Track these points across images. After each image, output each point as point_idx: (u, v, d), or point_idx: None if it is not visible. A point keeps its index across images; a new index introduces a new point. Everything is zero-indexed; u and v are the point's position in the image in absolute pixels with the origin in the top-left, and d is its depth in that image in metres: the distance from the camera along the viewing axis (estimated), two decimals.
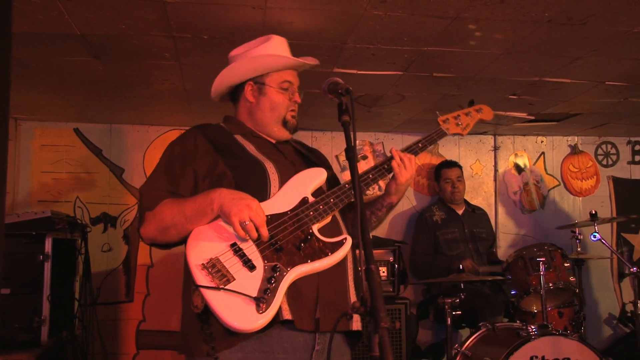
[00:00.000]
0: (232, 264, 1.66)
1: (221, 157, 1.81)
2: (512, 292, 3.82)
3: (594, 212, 3.88)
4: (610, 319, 4.96)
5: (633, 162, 5.20)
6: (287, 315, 1.65)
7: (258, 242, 1.69)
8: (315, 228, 1.76)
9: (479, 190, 4.99)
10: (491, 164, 5.03)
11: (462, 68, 3.11)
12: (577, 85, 3.44)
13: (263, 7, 2.33)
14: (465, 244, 4.29)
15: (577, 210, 5.07)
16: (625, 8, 2.33)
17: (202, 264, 1.65)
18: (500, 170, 5.02)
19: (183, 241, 1.77)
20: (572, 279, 3.76)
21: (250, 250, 1.69)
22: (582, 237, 3.89)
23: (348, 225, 1.95)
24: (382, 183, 4.82)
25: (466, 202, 4.55)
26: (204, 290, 1.61)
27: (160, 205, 1.76)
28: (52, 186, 4.38)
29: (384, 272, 4.06)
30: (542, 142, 5.11)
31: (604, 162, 5.17)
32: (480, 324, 3.47)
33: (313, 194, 1.82)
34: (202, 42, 2.72)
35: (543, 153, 5.10)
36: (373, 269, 1.23)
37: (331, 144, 4.53)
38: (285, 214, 1.75)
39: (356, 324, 1.83)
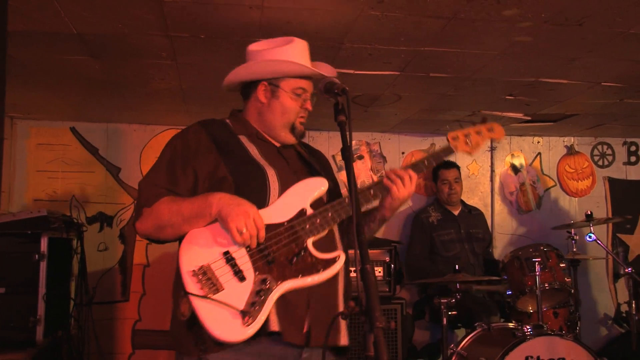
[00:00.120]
0: (223, 273, 1.66)
1: (223, 160, 1.80)
2: (508, 293, 3.83)
3: (589, 213, 3.90)
4: (605, 319, 4.98)
5: (629, 162, 5.22)
6: (274, 326, 1.65)
7: (251, 252, 1.69)
8: (309, 242, 1.74)
9: (476, 190, 5.00)
10: (488, 164, 5.03)
11: (458, 68, 3.12)
12: (574, 86, 3.45)
13: (260, 7, 2.33)
14: (461, 244, 4.30)
15: (573, 211, 5.08)
16: (621, 9, 2.34)
17: (193, 270, 1.66)
18: (497, 170, 5.03)
19: (178, 239, 1.77)
20: (567, 279, 3.77)
21: (242, 260, 1.68)
22: (577, 237, 3.90)
23: (344, 239, 1.93)
24: None
25: (463, 202, 4.55)
26: (192, 298, 1.62)
27: (159, 203, 1.76)
28: (48, 185, 4.37)
29: (380, 272, 4.06)
30: (538, 142, 5.12)
31: (600, 163, 5.19)
32: (475, 324, 3.48)
33: (312, 205, 1.80)
34: (199, 42, 2.71)
35: (539, 153, 5.12)
36: (368, 268, 1.23)
37: (328, 144, 4.53)
38: (281, 224, 1.74)
39: (344, 338, 1.82)
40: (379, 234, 4.61)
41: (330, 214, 1.78)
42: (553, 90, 3.54)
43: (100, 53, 2.88)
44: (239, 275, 1.66)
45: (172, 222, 1.73)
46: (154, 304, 4.38)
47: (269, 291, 1.64)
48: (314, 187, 1.84)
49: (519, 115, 4.23)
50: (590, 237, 3.80)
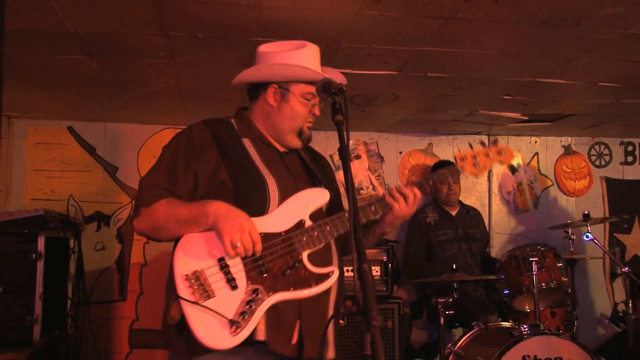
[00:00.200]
0: (216, 280, 1.67)
1: (224, 163, 1.79)
2: (505, 292, 3.84)
3: (586, 213, 3.91)
4: (602, 319, 4.99)
5: (626, 162, 5.23)
6: (261, 336, 1.66)
7: (245, 261, 1.70)
8: (305, 255, 1.74)
9: (473, 190, 5.01)
10: None
11: (456, 68, 3.12)
12: (571, 86, 3.46)
13: (258, 6, 2.33)
14: (458, 245, 4.30)
15: (570, 211, 5.09)
16: (618, 9, 2.35)
17: (187, 274, 1.67)
18: (495, 170, 5.04)
19: (174, 240, 1.78)
20: (564, 278, 3.78)
21: (236, 268, 1.69)
22: (574, 237, 3.91)
23: (340, 255, 1.92)
24: (380, 189, 4.83)
25: (460, 202, 4.56)
26: (182, 303, 1.63)
27: (157, 204, 1.75)
28: (46, 184, 4.37)
29: (377, 271, 4.07)
30: (535, 142, 5.13)
31: (597, 163, 5.20)
32: (473, 324, 3.48)
33: (312, 216, 1.80)
34: (196, 41, 2.71)
35: (537, 153, 5.13)
36: (365, 267, 1.23)
37: (325, 143, 4.53)
38: (278, 235, 1.74)
39: (332, 352, 1.83)
40: None
41: (328, 228, 1.78)
42: (550, 90, 3.54)
43: (98, 52, 2.87)
44: (232, 284, 1.67)
45: (168, 226, 1.74)
46: (151, 303, 4.38)
47: (259, 302, 1.66)
48: (315, 199, 1.83)
49: (517, 115, 4.23)
50: (587, 236, 3.81)
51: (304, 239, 1.75)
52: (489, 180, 5.03)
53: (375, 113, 4.18)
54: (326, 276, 1.73)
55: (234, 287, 1.66)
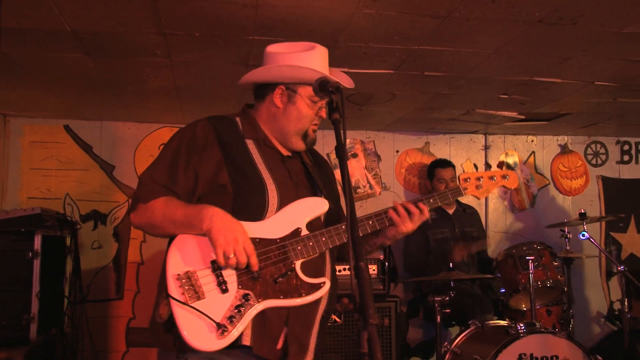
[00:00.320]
0: (207, 282, 1.67)
1: (226, 165, 1.78)
2: (502, 290, 3.85)
3: (583, 211, 3.92)
4: (598, 317, 5.01)
5: (622, 161, 5.25)
6: (246, 341, 1.67)
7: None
8: (298, 264, 1.74)
9: None
10: (482, 163, 5.05)
11: (453, 67, 3.12)
12: (567, 85, 3.46)
13: (255, 5, 2.33)
14: (455, 243, 4.31)
15: (566, 209, 5.11)
16: (615, 8, 2.35)
17: (178, 274, 1.67)
18: (492, 169, 5.05)
19: (169, 237, 1.78)
20: (560, 277, 3.79)
21: (228, 272, 1.69)
22: (571, 236, 3.92)
23: (333, 265, 1.92)
24: (377, 188, 4.84)
25: (457, 201, 4.57)
26: (172, 302, 1.64)
27: (154, 202, 1.75)
28: (42, 183, 4.36)
29: (374, 270, 4.07)
30: (532, 141, 5.14)
31: (593, 162, 5.22)
32: (469, 322, 3.49)
33: (309, 225, 1.79)
34: (193, 40, 2.71)
35: (533, 152, 5.14)
36: (362, 265, 1.23)
37: (322, 142, 4.52)
38: (274, 241, 1.74)
39: (309, 358, 1.83)
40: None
41: (324, 239, 1.78)
42: (547, 89, 3.55)
43: (94, 51, 2.87)
44: (222, 287, 1.67)
45: (163, 225, 1.75)
46: (148, 302, 4.35)
47: (248, 307, 1.66)
48: (313, 208, 1.83)
49: (513, 114, 4.24)
50: (583, 235, 3.83)
51: (299, 247, 1.75)
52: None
53: (372, 112, 4.18)
54: (317, 287, 1.74)
55: (225, 291, 1.67)
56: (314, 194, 1.91)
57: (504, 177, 2.08)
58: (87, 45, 2.79)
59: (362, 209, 4.74)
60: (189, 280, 1.67)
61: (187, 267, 1.69)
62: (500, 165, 5.03)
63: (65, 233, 3.80)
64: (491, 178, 2.06)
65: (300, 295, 1.71)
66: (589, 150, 5.22)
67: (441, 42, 2.74)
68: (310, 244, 1.76)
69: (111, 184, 4.45)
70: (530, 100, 3.85)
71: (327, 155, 4.54)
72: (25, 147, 4.37)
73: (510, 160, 5.08)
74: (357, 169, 4.83)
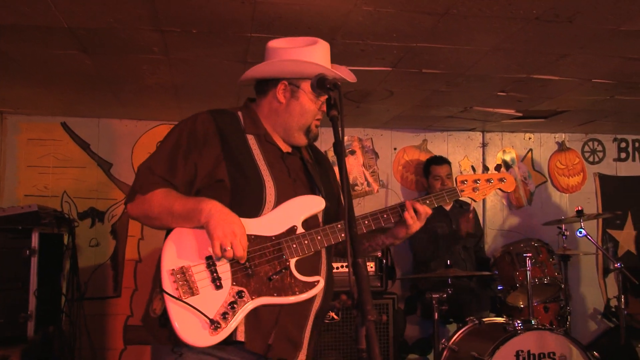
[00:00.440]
0: (201, 278, 1.68)
1: (225, 160, 1.77)
2: (499, 288, 3.86)
3: (580, 209, 3.93)
4: (595, 314, 5.03)
5: (619, 159, 5.26)
6: (240, 336, 1.68)
7: (233, 261, 1.70)
8: (292, 262, 1.74)
9: None
10: (479, 160, 5.06)
11: (451, 64, 3.13)
12: (564, 83, 3.47)
13: (252, 2, 2.33)
14: (452, 240, 4.32)
15: (563, 207, 5.12)
16: (612, 6, 2.36)
17: (173, 269, 1.68)
18: (489, 166, 5.06)
19: (165, 229, 1.78)
20: (558, 274, 3.81)
21: (223, 268, 1.69)
22: (568, 233, 3.93)
23: (329, 263, 1.91)
24: (375, 185, 4.84)
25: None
26: (166, 297, 1.64)
27: (153, 193, 1.75)
28: (39, 181, 4.35)
29: (372, 267, 4.08)
30: (529, 138, 5.15)
31: (591, 159, 5.23)
32: (467, 319, 3.50)
33: (305, 223, 1.79)
34: (191, 37, 2.70)
35: (531, 150, 5.15)
36: (360, 262, 1.24)
37: (320, 139, 4.43)
38: (269, 238, 1.74)
39: (302, 357, 1.84)
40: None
41: (319, 237, 1.78)
42: (544, 87, 3.56)
43: (91, 48, 2.86)
44: (216, 283, 1.67)
45: (160, 217, 1.75)
46: (145, 299, 4.33)
47: (242, 304, 1.67)
48: (310, 206, 1.83)
49: (511, 112, 4.25)
50: (580, 232, 3.84)
51: (294, 246, 1.75)
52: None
53: (369, 109, 4.18)
54: (311, 285, 1.74)
55: (219, 287, 1.67)
56: (312, 191, 1.91)
57: (501, 180, 2.09)
58: (84, 42, 2.78)
59: (360, 207, 4.75)
60: (183, 276, 1.67)
61: (182, 262, 1.69)
62: (498, 167, 5.04)
63: (62, 231, 3.79)
64: (488, 181, 2.06)
65: (294, 293, 1.72)
66: (586, 148, 5.23)
67: (439, 39, 2.74)
68: (306, 242, 1.76)
69: (109, 182, 4.45)
70: (528, 98, 3.85)
71: (325, 152, 4.54)
72: (22, 144, 4.36)
73: (508, 158, 5.09)
74: (354, 166, 4.83)
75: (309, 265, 1.78)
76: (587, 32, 2.65)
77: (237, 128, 1.87)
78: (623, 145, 5.28)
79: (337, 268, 3.65)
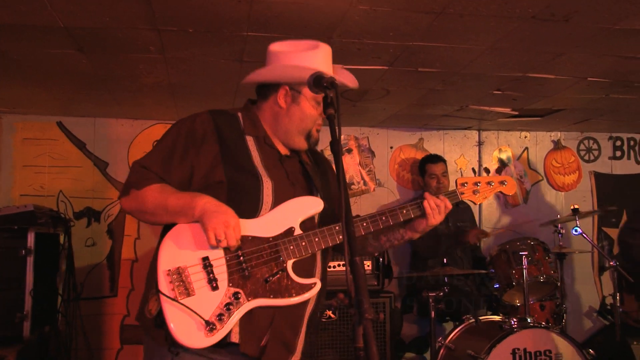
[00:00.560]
0: (198, 279, 1.67)
1: (223, 161, 1.77)
2: (496, 286, 3.87)
3: (576, 207, 3.94)
4: (590, 312, 5.05)
5: (614, 157, 5.28)
6: (235, 338, 1.68)
7: (229, 262, 1.70)
8: (289, 263, 1.74)
9: None
10: (475, 159, 5.07)
11: (447, 63, 3.13)
12: (560, 81, 3.48)
13: (249, 1, 2.32)
14: (449, 238, 4.32)
15: (559, 205, 5.13)
16: (608, 5, 2.36)
17: (169, 269, 1.68)
18: (485, 165, 5.07)
19: (158, 225, 1.79)
20: (553, 272, 3.82)
21: (220, 269, 1.69)
22: (564, 231, 3.95)
23: (324, 265, 1.91)
24: (371, 184, 4.84)
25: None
26: (162, 298, 1.64)
27: (147, 188, 1.75)
28: (35, 180, 4.33)
29: (368, 265, 4.08)
30: (525, 137, 5.16)
31: (586, 158, 5.24)
32: (463, 317, 3.51)
33: (302, 224, 1.79)
34: (187, 36, 2.70)
35: (527, 148, 5.16)
36: (357, 261, 1.24)
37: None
38: (266, 240, 1.74)
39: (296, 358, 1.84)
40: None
41: (317, 239, 1.78)
42: (540, 85, 3.57)
43: (87, 47, 2.85)
44: (213, 284, 1.67)
45: (154, 212, 1.75)
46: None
47: (238, 306, 1.66)
48: (307, 207, 1.82)
49: (507, 110, 4.26)
50: (576, 230, 3.85)
51: (291, 247, 1.74)
52: (479, 175, 5.05)
53: (366, 108, 4.18)
54: (308, 287, 1.74)
55: (215, 288, 1.67)
56: (311, 194, 1.90)
57: (502, 182, 2.07)
58: (81, 42, 2.77)
59: (356, 205, 4.75)
60: (179, 276, 1.67)
61: (178, 262, 1.68)
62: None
63: (58, 230, 3.78)
64: (489, 183, 2.04)
65: (290, 295, 1.71)
66: (582, 146, 5.25)
67: (435, 38, 2.75)
68: (303, 244, 1.76)
69: (105, 181, 4.44)
70: (524, 97, 3.86)
71: (322, 151, 4.54)
72: (18, 144, 4.35)
73: (504, 156, 5.11)
74: (351, 165, 4.83)
75: (304, 268, 1.78)
76: (582, 31, 2.66)
77: (236, 129, 1.86)
78: (618, 143, 5.30)
79: (334, 267, 3.65)
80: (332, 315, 3.56)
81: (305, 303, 1.78)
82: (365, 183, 4.86)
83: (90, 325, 4.17)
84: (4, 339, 3.08)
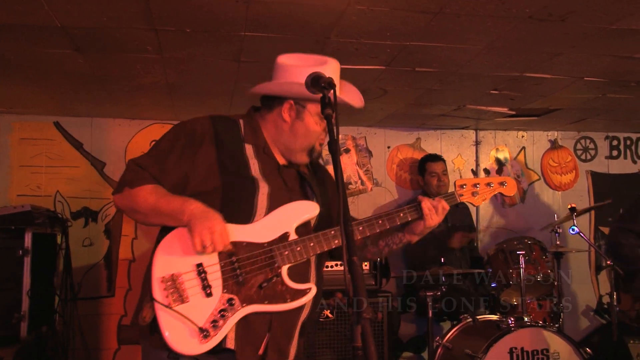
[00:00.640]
0: (191, 285, 1.67)
1: (219, 168, 1.76)
2: (493, 285, 3.88)
3: (573, 206, 3.95)
4: (587, 311, 5.06)
5: (611, 157, 5.30)
6: (230, 344, 1.67)
7: (224, 269, 1.70)
8: (284, 269, 1.73)
9: None
10: (473, 159, 5.08)
11: (444, 63, 3.13)
12: (557, 81, 3.49)
13: (247, 1, 2.32)
14: (447, 238, 4.33)
15: (556, 204, 5.14)
16: (604, 5, 2.37)
17: (163, 277, 1.68)
18: (482, 164, 5.08)
19: (149, 225, 1.79)
20: (550, 271, 3.83)
21: (214, 276, 1.69)
22: (561, 230, 3.95)
23: (319, 271, 1.89)
24: (368, 184, 4.85)
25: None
26: (156, 305, 1.64)
27: (140, 188, 1.75)
28: (32, 180, 4.32)
29: (366, 265, 4.08)
30: (522, 136, 5.17)
31: (583, 157, 5.26)
32: (461, 317, 3.51)
33: (298, 229, 1.78)
34: (184, 36, 2.70)
35: (524, 148, 5.17)
36: (355, 260, 1.24)
37: None
38: (261, 245, 1.73)
39: None
40: None
41: (312, 244, 1.76)
42: (537, 85, 3.57)
43: (84, 47, 2.85)
44: (207, 291, 1.67)
45: (145, 212, 1.75)
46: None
47: (232, 312, 1.66)
48: (302, 212, 1.81)
49: (504, 110, 4.26)
50: (573, 230, 3.86)
51: (286, 252, 1.73)
52: (477, 174, 5.06)
53: (363, 108, 4.16)
54: (303, 293, 1.73)
55: (209, 295, 1.67)
56: (307, 200, 1.89)
57: (501, 183, 2.03)
58: (78, 41, 2.77)
59: (354, 205, 4.76)
60: (173, 283, 1.67)
61: (173, 269, 1.68)
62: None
63: (56, 230, 3.78)
64: (488, 185, 2.01)
65: (285, 301, 1.71)
66: (579, 146, 5.26)
67: (432, 38, 2.75)
68: (298, 249, 1.75)
69: (102, 181, 4.43)
70: (521, 96, 3.87)
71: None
72: (15, 144, 4.34)
73: (501, 156, 5.12)
74: (348, 165, 4.84)
75: (299, 273, 1.77)
76: (579, 31, 2.66)
77: (235, 136, 1.85)
78: (615, 143, 5.31)
79: (332, 267, 3.65)
80: (330, 315, 3.56)
81: (300, 309, 1.77)
82: (362, 183, 4.86)
83: (87, 325, 4.16)
84: (1, 339, 3.08)
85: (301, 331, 1.84)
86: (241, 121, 1.90)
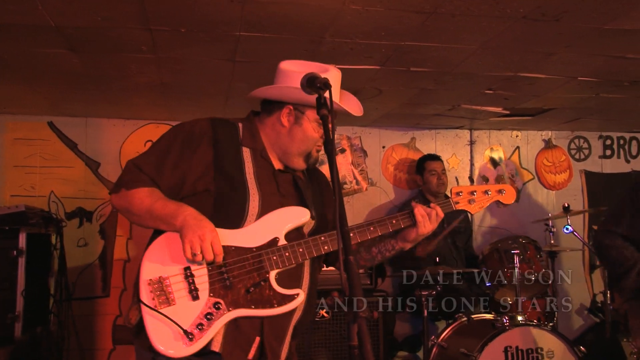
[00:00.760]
0: (178, 288, 1.68)
1: (215, 170, 1.77)
2: (487, 284, 3.89)
3: (566, 205, 3.97)
4: (581, 309, 5.08)
5: (604, 156, 5.32)
6: (216, 347, 1.68)
7: (211, 272, 1.70)
8: (272, 274, 1.73)
9: (455, 184, 5.05)
10: (467, 158, 5.09)
11: (438, 63, 3.14)
12: (551, 81, 3.50)
13: (242, 1, 2.32)
14: (444, 238, 4.34)
15: (550, 204, 5.17)
16: (598, 5, 2.38)
17: (151, 279, 1.69)
18: (476, 164, 5.09)
19: (143, 227, 1.80)
20: (545, 270, 3.84)
21: (201, 279, 1.70)
22: (555, 229, 3.97)
23: (312, 277, 1.89)
24: (363, 183, 4.85)
25: (445, 195, 4.60)
26: (142, 307, 1.65)
27: (137, 190, 1.76)
28: (26, 180, 4.31)
29: None
30: (517, 136, 5.19)
31: (577, 156, 5.28)
32: (456, 316, 3.52)
33: (288, 234, 1.78)
34: (179, 35, 2.69)
35: (518, 147, 5.19)
36: (352, 260, 1.24)
37: None
38: (249, 250, 1.74)
39: None
40: None
41: (301, 250, 1.77)
42: (531, 85, 3.59)
43: (79, 46, 2.84)
44: (193, 294, 1.68)
45: (140, 214, 1.76)
46: None
47: (218, 316, 1.67)
48: (292, 217, 1.81)
49: (498, 109, 4.28)
50: (567, 229, 3.88)
51: (274, 258, 1.74)
52: (471, 174, 5.08)
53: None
54: (290, 298, 1.73)
55: (195, 298, 1.68)
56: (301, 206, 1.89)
57: (500, 191, 2.00)
58: (72, 41, 2.76)
59: (349, 205, 4.76)
60: (160, 286, 1.68)
61: (160, 272, 1.69)
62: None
63: (50, 231, 3.76)
64: (486, 192, 1.99)
65: (272, 306, 1.71)
66: (572, 145, 5.28)
67: (427, 38, 2.76)
68: (287, 254, 1.75)
69: (96, 181, 4.42)
70: (515, 96, 3.88)
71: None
72: (8, 144, 4.32)
73: (495, 155, 5.13)
74: (343, 164, 4.84)
75: (289, 278, 1.77)
76: (573, 31, 2.68)
77: (234, 139, 1.87)
78: (608, 142, 5.34)
79: (328, 266, 3.65)
80: (326, 315, 3.56)
81: (290, 314, 1.77)
82: (357, 182, 4.86)
83: (82, 325, 4.14)
84: None
85: (293, 333, 1.84)
86: (240, 125, 1.91)
